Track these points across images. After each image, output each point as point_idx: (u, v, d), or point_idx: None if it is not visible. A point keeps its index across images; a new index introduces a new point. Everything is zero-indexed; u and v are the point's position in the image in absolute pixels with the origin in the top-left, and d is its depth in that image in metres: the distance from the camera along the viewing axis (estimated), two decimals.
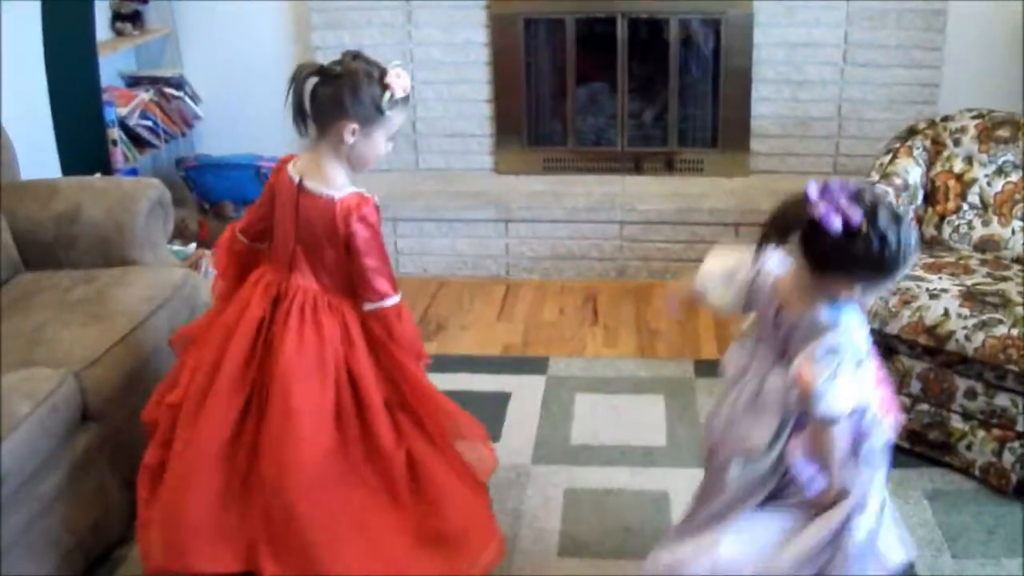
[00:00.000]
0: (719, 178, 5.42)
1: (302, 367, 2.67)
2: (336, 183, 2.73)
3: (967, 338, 3.34)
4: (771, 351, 2.41)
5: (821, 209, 2.12)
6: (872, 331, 3.50)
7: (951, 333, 3.37)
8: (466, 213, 5.17)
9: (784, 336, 2.35)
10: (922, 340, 3.44)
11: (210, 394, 2.72)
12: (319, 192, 2.70)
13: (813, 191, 2.14)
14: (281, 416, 2.65)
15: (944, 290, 3.54)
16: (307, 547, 2.64)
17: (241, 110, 5.54)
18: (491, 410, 3.91)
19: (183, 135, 5.50)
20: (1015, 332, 3.30)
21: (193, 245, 4.92)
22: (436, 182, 5.44)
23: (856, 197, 2.13)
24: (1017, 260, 3.86)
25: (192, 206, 5.48)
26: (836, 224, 2.11)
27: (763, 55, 5.26)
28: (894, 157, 4.09)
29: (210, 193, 5.39)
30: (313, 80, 2.67)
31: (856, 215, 2.10)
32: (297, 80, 2.66)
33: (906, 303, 3.49)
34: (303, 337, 2.69)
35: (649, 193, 5.27)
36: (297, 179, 2.73)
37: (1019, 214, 3.92)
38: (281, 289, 2.76)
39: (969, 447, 3.48)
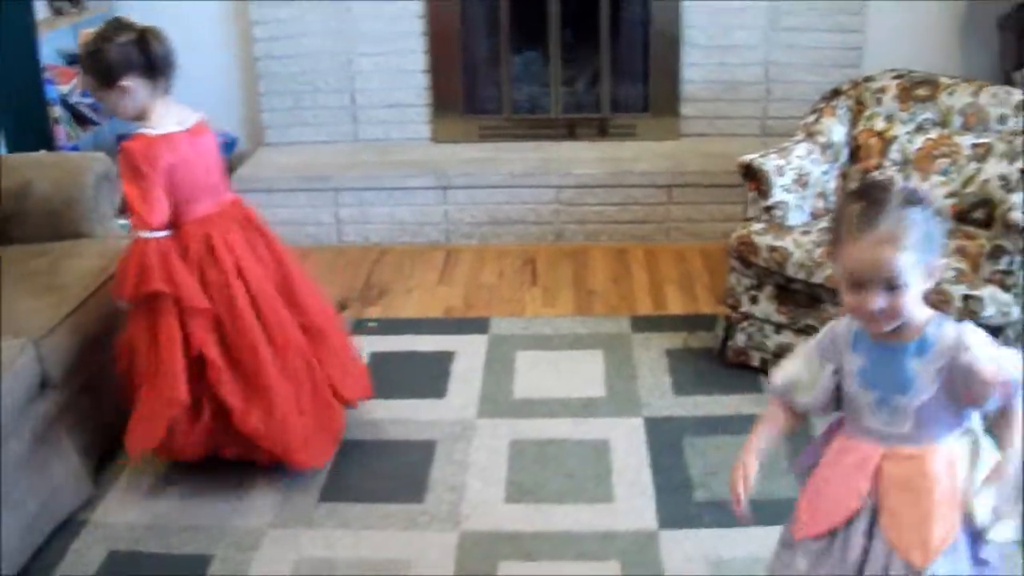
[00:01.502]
0: (651, 142, 5.56)
1: None
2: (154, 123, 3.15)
3: None
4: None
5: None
6: (798, 280, 3.69)
7: None
8: (405, 181, 5.27)
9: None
10: None
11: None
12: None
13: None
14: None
15: None
16: None
17: (182, 85, 5.56)
18: (436, 369, 4.06)
19: None
20: None
21: None
22: (375, 152, 5.53)
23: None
24: (938, 212, 4.02)
25: None
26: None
27: (691, 21, 5.41)
28: (819, 117, 4.25)
29: None
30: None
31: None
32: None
33: (831, 254, 3.64)
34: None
35: (583, 158, 5.39)
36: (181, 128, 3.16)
37: (939, 169, 4.08)
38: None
39: None
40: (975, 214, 3.93)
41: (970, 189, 3.98)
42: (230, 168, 5.34)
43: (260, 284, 3.28)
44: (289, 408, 3.24)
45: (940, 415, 2.14)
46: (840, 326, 2.26)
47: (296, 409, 3.27)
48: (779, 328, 3.85)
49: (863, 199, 2.09)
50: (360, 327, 4.40)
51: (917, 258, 2.02)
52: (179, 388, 3.09)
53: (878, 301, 2.04)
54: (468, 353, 4.18)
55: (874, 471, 2.18)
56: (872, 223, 2.03)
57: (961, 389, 2.10)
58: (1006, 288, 3.41)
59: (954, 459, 2.14)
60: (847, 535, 2.19)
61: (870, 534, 2.16)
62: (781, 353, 3.75)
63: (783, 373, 2.33)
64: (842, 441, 2.27)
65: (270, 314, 3.27)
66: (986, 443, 2.17)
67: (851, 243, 2.06)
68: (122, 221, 4.68)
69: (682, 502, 3.23)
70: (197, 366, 3.15)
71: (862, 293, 2.05)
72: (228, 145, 5.49)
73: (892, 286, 2.02)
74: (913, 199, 2.07)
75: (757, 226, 3.86)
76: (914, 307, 2.09)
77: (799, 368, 2.29)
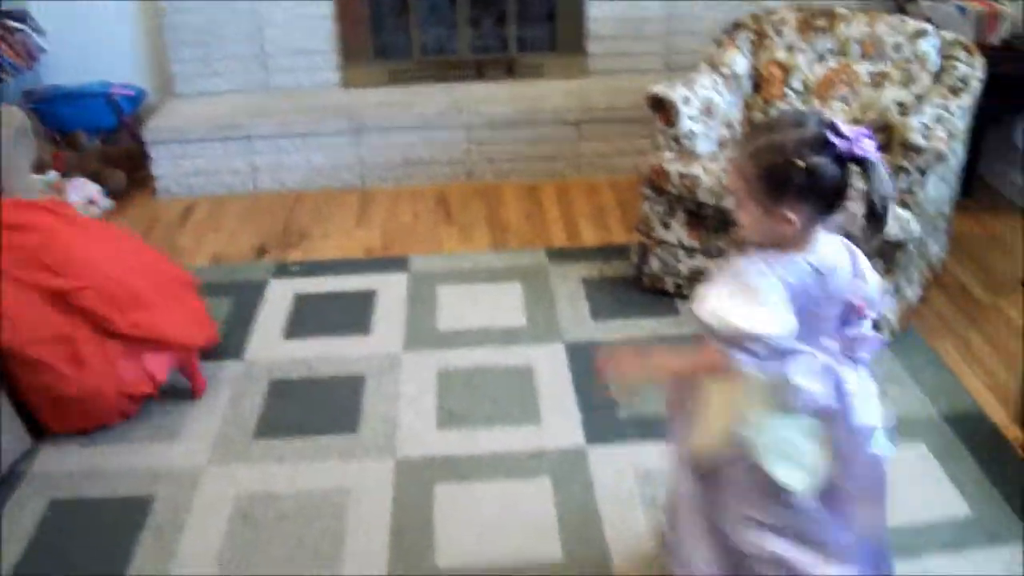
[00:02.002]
0: (559, 80, 5.65)
1: None
2: None
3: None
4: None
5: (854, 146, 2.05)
6: (708, 206, 3.82)
7: None
8: (318, 127, 5.29)
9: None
10: None
11: None
12: None
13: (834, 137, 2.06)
14: None
15: None
16: None
17: (87, 40, 5.53)
18: (360, 307, 4.14)
19: (29, 68, 5.47)
20: None
21: (53, 174, 4.96)
22: (286, 99, 5.54)
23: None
24: None
25: (43, 138, 5.47)
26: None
27: None
28: (722, 49, 4.37)
29: (62, 124, 5.38)
30: None
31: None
32: None
33: None
34: None
35: (493, 98, 5.46)
36: None
37: (838, 96, 4.23)
38: None
39: None
40: (876, 139, 4.08)
41: (870, 115, 4.14)
42: (139, 120, 5.35)
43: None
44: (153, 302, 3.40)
45: None
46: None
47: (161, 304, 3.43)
48: (691, 252, 3.99)
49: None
50: (282, 271, 4.45)
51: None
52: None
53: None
54: (390, 291, 4.26)
55: None
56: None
57: None
58: (906, 206, 3.57)
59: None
60: None
61: None
62: (694, 277, 3.92)
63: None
64: None
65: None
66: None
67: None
68: (40, 177, 4.70)
69: (607, 419, 3.36)
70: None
71: None
72: (136, 98, 5.48)
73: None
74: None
75: (668, 154, 3.98)
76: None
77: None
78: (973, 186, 5.06)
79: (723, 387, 2.27)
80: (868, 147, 2.05)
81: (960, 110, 3.77)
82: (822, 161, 2.03)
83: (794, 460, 2.23)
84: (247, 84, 5.62)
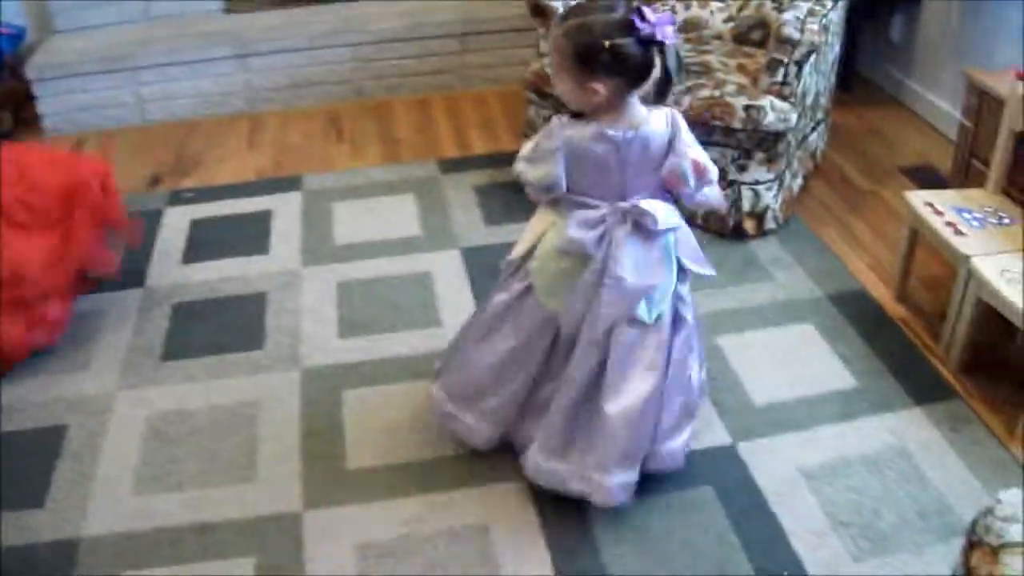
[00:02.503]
0: None
1: None
2: None
3: (676, 102, 3.71)
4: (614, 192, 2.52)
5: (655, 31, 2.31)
6: None
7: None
8: (204, 53, 5.27)
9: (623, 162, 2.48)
10: None
11: None
12: None
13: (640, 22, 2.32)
14: None
15: None
16: None
17: None
18: (256, 228, 4.19)
19: None
20: (716, 93, 3.73)
21: None
22: (171, 28, 5.49)
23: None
24: (717, 36, 4.29)
25: None
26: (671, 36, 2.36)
27: None
28: None
29: None
30: None
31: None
32: None
33: None
34: None
35: (378, 15, 5.47)
36: None
37: None
38: None
39: None
40: (753, 35, 4.22)
41: (746, 13, 4.26)
42: (20, 59, 5.29)
43: None
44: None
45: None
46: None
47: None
48: None
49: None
50: (176, 199, 4.47)
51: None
52: None
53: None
54: (285, 210, 4.31)
55: None
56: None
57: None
58: (784, 97, 3.70)
59: None
60: None
61: None
62: None
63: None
64: None
65: None
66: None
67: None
68: None
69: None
70: None
71: None
72: (15, 36, 5.40)
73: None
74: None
75: (548, 59, 4.05)
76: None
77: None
78: (852, 80, 5.21)
79: (537, 216, 2.67)
80: (668, 32, 2.32)
81: (833, 3, 3.88)
82: (627, 42, 2.31)
83: (554, 292, 2.60)
84: (129, 15, 5.53)
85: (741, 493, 2.77)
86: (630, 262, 2.49)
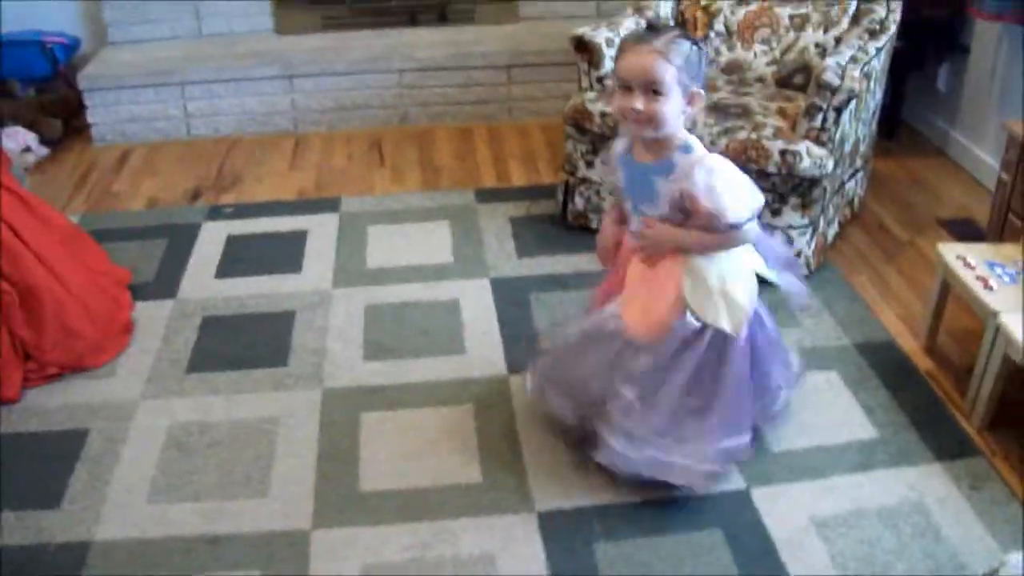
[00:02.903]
0: (490, 26, 5.73)
1: None
2: None
3: (712, 143, 3.75)
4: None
5: None
6: None
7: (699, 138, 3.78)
8: (251, 72, 5.34)
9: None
10: None
11: None
12: None
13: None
14: None
15: None
16: None
17: None
18: (291, 247, 4.22)
19: None
20: (753, 136, 3.73)
21: None
22: (220, 45, 5.57)
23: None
24: (759, 79, 4.30)
25: None
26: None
27: None
28: None
29: None
30: None
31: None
32: None
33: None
34: None
35: (425, 43, 5.53)
36: None
37: (760, 39, 4.34)
38: None
39: None
40: (795, 79, 4.21)
41: (789, 56, 4.26)
42: (74, 69, 5.37)
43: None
44: (78, 322, 3.45)
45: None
46: (617, 145, 2.75)
47: (86, 319, 3.48)
48: None
49: (651, 28, 2.53)
50: (216, 214, 4.52)
51: (678, 75, 2.45)
52: None
53: (639, 102, 2.46)
54: (321, 231, 4.34)
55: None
56: (646, 39, 2.46)
57: (690, 210, 2.58)
58: (820, 143, 3.69)
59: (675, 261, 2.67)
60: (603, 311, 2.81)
61: None
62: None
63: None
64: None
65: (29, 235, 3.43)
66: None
67: (627, 53, 2.49)
68: None
69: (530, 350, 3.45)
70: None
71: (628, 96, 2.49)
72: (70, 46, 5.49)
73: (654, 91, 2.46)
74: (686, 35, 2.52)
75: (590, 95, 4.08)
76: (672, 123, 2.52)
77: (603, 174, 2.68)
78: (896, 129, 5.20)
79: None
80: None
81: (877, 51, 3.87)
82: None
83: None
84: (181, 31, 5.66)
85: (750, 538, 2.74)
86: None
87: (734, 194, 2.57)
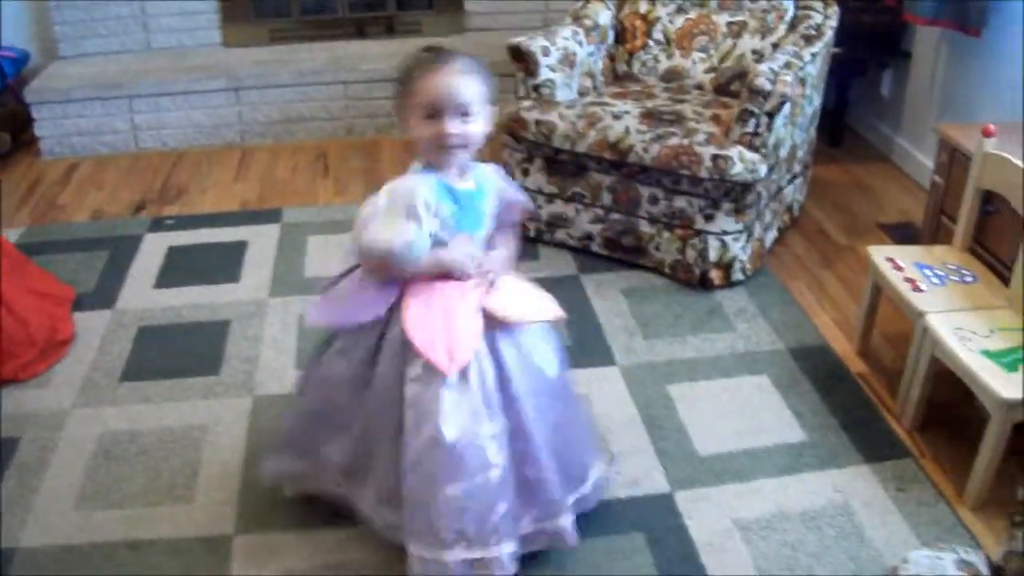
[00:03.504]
0: (438, 37, 5.73)
1: None
2: None
3: (645, 150, 3.77)
4: None
5: None
6: (563, 151, 3.92)
7: (631, 147, 3.80)
8: (198, 85, 5.34)
9: None
10: (607, 155, 3.87)
11: None
12: None
13: None
14: None
15: (626, 112, 3.97)
16: None
17: None
18: (230, 257, 4.23)
19: None
20: (685, 142, 3.75)
21: None
22: (168, 59, 5.59)
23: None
24: (698, 86, 4.33)
25: None
26: None
27: None
28: (587, 3, 4.49)
29: None
30: None
31: None
32: None
33: (592, 124, 3.90)
34: None
35: (371, 55, 5.55)
36: None
37: (698, 46, 4.37)
38: None
39: (658, 248, 3.95)
40: (732, 86, 4.24)
41: (727, 63, 4.29)
42: (23, 82, 5.36)
43: None
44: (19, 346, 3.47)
45: (490, 241, 2.55)
46: (419, 186, 2.35)
47: (27, 342, 3.50)
48: (551, 198, 4.11)
49: (435, 50, 2.40)
50: (158, 226, 4.52)
51: (483, 95, 2.35)
52: None
53: (454, 125, 2.31)
54: (261, 241, 4.35)
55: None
56: (448, 60, 2.34)
57: (502, 216, 2.56)
58: (753, 148, 3.71)
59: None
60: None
61: None
62: (554, 222, 4.05)
63: (400, 237, 2.29)
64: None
65: None
66: None
67: (428, 76, 2.32)
68: None
69: None
70: None
71: (438, 121, 2.31)
72: (19, 60, 5.48)
73: (465, 113, 2.32)
74: (474, 57, 2.40)
75: (526, 103, 4.09)
76: (480, 143, 2.41)
77: (413, 229, 2.30)
78: (842, 136, 5.24)
79: None
80: None
81: (812, 56, 3.91)
82: None
83: None
84: (130, 45, 5.66)
85: (672, 542, 2.73)
86: None
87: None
